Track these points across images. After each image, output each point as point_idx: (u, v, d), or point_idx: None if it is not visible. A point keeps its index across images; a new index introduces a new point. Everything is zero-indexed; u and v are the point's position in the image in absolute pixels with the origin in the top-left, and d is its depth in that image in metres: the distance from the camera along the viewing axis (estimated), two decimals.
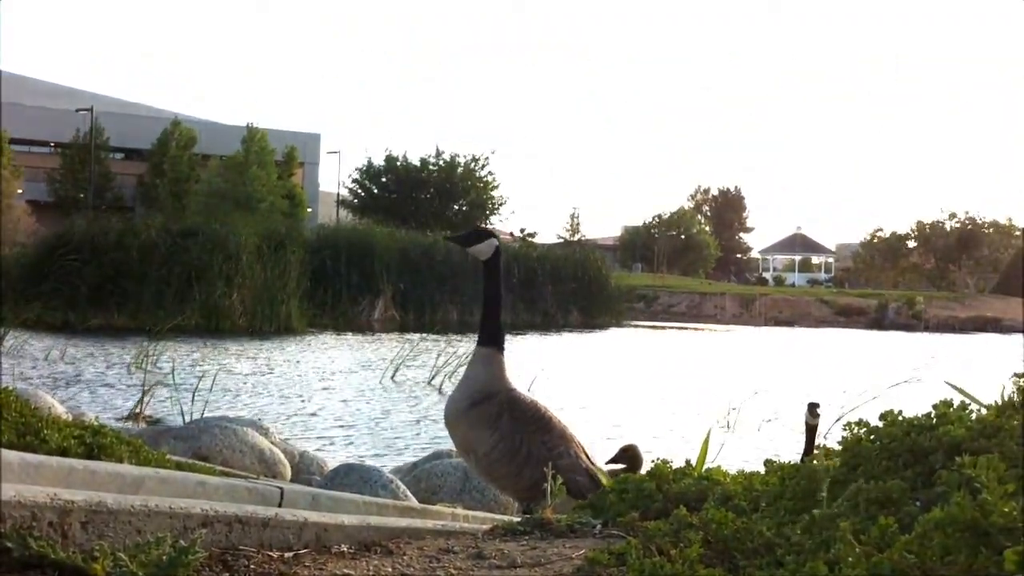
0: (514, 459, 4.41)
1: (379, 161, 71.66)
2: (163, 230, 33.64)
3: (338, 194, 74.27)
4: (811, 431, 6.67)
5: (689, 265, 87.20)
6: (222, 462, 7.20)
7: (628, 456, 6.14)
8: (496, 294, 4.63)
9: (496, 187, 71.74)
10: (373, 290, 38.94)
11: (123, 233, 33.39)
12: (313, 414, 14.09)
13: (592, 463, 4.67)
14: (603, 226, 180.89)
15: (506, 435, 4.40)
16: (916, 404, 3.21)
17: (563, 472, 4.23)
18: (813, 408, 6.70)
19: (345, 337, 30.49)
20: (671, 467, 3.64)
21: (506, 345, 4.61)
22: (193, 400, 12.28)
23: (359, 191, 71.93)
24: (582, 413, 14.20)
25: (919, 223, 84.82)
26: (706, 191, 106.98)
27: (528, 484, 4.40)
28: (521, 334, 35.78)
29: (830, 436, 7.74)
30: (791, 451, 6.74)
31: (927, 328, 55.49)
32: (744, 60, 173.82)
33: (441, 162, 71.07)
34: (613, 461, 5.69)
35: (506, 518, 4.27)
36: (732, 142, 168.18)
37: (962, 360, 26.84)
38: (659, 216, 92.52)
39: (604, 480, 4.50)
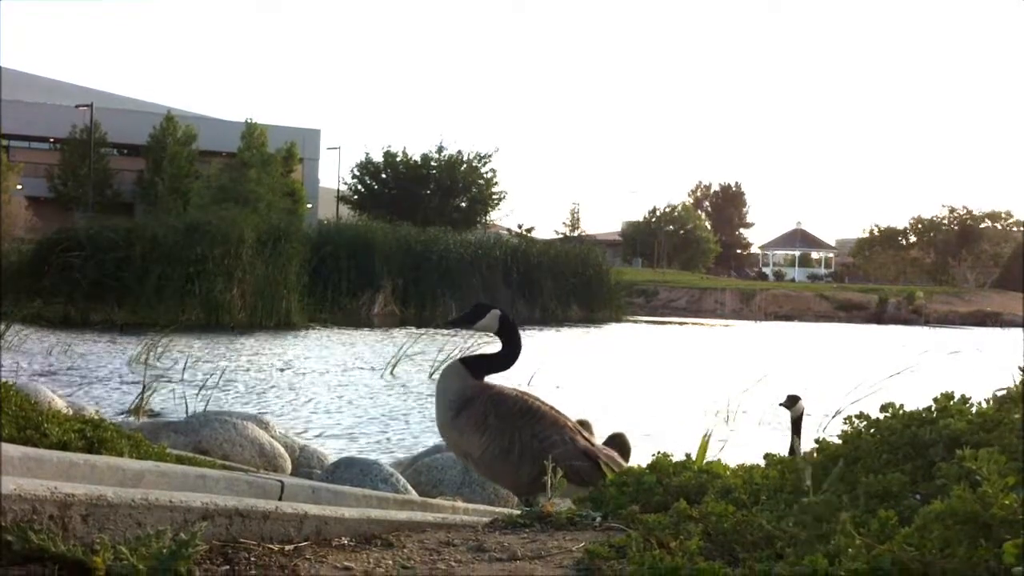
0: (508, 457, 4.40)
1: (377, 157, 71.66)
2: (163, 226, 33.67)
3: (338, 190, 74.22)
4: (795, 423, 6.70)
5: (689, 260, 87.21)
6: (222, 456, 7.21)
7: (616, 444, 6.18)
8: (510, 356, 4.62)
9: (498, 183, 71.75)
10: (373, 285, 38.97)
11: (124, 229, 33.43)
12: (313, 408, 14.09)
13: (590, 441, 4.67)
14: (603, 222, 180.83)
15: (496, 436, 4.40)
16: (916, 397, 3.22)
17: (560, 461, 4.22)
18: (793, 400, 6.73)
19: (345, 332, 30.50)
20: (671, 460, 3.64)
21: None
22: (193, 394, 12.28)
23: (359, 187, 71.88)
24: (582, 408, 14.19)
25: (917, 218, 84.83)
26: (707, 187, 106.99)
27: (528, 479, 4.40)
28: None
29: (829, 429, 7.74)
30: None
31: (927, 323, 55.49)
32: (744, 59, 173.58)
33: (443, 158, 70.96)
34: None
35: (506, 511, 4.27)
36: (732, 139, 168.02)
37: (960, 353, 26.85)
38: (659, 211, 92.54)
39: (602, 458, 4.50)
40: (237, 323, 30.90)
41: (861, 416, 2.88)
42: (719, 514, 2.60)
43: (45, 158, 68.35)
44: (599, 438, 6.53)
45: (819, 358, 26.63)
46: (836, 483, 2.57)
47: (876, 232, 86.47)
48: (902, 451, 2.67)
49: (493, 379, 4.67)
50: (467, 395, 4.45)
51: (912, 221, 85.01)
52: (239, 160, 62.41)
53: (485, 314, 4.66)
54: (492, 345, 4.79)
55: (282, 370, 18.93)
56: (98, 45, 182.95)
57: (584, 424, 5.67)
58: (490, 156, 71.53)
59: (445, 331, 27.51)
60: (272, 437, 8.34)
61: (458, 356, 4.79)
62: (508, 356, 4.63)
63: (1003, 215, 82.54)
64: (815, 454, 2.89)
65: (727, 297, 62.61)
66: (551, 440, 4.44)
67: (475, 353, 4.96)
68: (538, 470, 4.12)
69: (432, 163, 70.85)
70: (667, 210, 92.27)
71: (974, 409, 2.77)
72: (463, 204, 70.95)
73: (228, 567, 2.47)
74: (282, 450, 8.11)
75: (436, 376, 17.49)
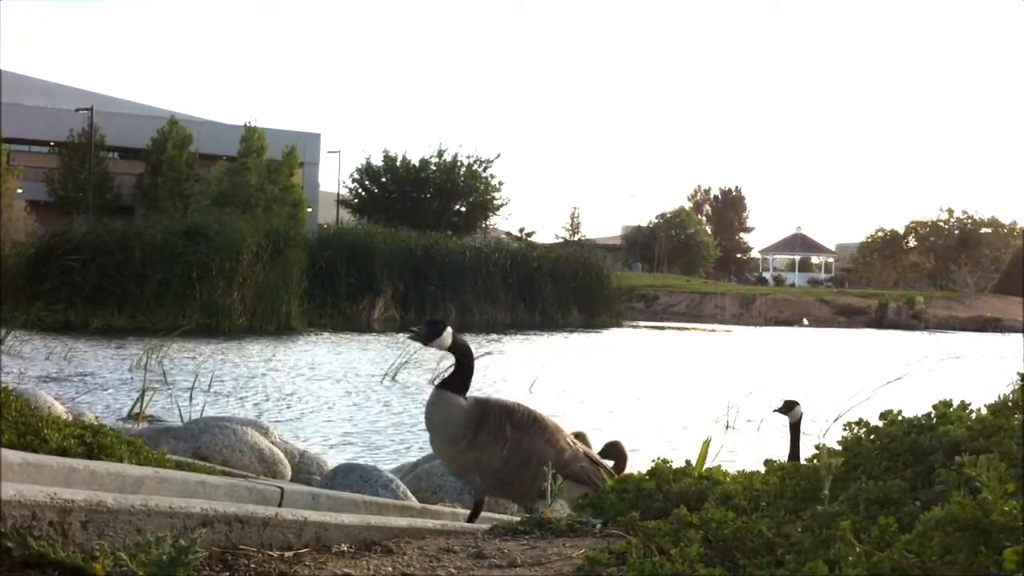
0: (528, 465, 4.42)
1: (377, 161, 71.64)
2: (164, 230, 33.67)
3: (338, 194, 74.23)
4: (794, 428, 6.69)
5: (689, 265, 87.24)
6: (222, 462, 7.20)
7: (612, 453, 6.19)
8: (468, 368, 4.57)
9: (499, 188, 71.65)
10: (373, 289, 38.97)
11: (124, 233, 33.43)
12: (313, 414, 14.08)
13: (582, 446, 4.73)
14: (603, 226, 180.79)
15: (514, 446, 4.42)
16: (915, 403, 3.21)
17: (570, 464, 4.26)
18: (790, 405, 6.72)
19: (345, 337, 30.50)
20: (671, 467, 3.64)
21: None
22: (192, 400, 12.28)
23: (359, 191, 71.89)
24: (581, 413, 14.20)
25: (917, 223, 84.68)
26: (707, 191, 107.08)
27: (540, 486, 4.42)
28: (521, 334, 35.78)
29: (829, 436, 7.74)
30: None
31: (927, 328, 55.48)
32: (744, 60, 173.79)
33: (443, 162, 70.88)
34: None
35: (506, 517, 4.28)
36: (732, 143, 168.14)
37: (961, 359, 26.84)
38: (660, 215, 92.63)
39: (598, 460, 4.54)
40: (237, 328, 30.89)
41: (861, 422, 2.88)
42: (719, 520, 2.60)
43: (45, 162, 68.41)
44: (597, 446, 6.54)
45: (819, 363, 26.62)
46: (849, 492, 2.57)
47: (878, 236, 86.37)
48: (902, 457, 2.67)
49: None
50: (476, 415, 4.42)
51: (912, 224, 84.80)
52: (239, 164, 62.50)
53: (440, 332, 4.55)
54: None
55: (282, 375, 18.92)
56: (97, 48, 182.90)
57: (580, 436, 5.69)
58: (491, 161, 71.50)
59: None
60: (272, 443, 8.34)
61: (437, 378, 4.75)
62: (468, 369, 4.56)
63: (1007, 225, 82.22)
64: (815, 460, 2.89)
65: (727, 302, 62.62)
66: (559, 446, 4.51)
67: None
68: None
69: (431, 167, 70.80)
70: (669, 215, 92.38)
71: (973, 415, 2.77)
72: (463, 208, 70.92)
73: (228, 574, 2.47)
74: (282, 456, 8.10)
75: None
